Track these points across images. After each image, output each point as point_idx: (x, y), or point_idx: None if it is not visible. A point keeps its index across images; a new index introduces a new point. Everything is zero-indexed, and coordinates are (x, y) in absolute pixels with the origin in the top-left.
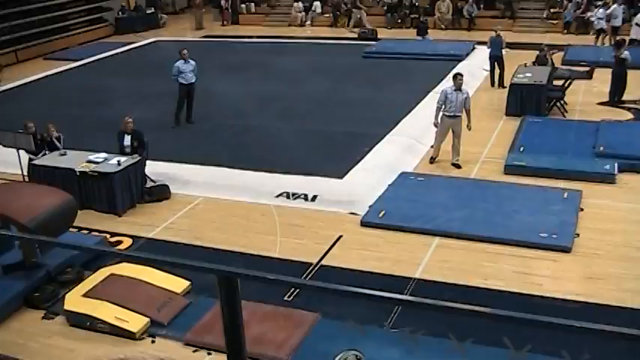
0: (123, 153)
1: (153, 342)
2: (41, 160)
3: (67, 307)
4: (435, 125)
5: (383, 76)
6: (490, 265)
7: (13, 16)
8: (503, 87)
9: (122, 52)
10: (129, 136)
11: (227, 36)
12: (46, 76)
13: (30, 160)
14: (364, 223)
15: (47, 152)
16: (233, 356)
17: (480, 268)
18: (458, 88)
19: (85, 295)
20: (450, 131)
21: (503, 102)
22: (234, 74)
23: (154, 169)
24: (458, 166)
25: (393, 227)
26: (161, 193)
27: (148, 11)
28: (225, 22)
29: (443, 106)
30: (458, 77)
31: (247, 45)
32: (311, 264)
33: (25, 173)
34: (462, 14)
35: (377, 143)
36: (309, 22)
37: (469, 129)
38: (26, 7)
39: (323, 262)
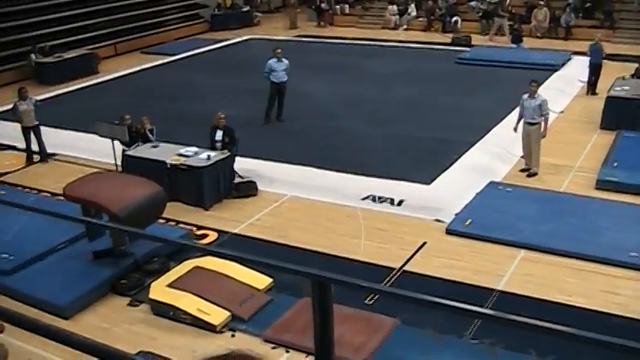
0: (213, 148)
1: (233, 336)
2: (134, 152)
3: (151, 296)
4: (515, 131)
5: (475, 83)
6: (575, 282)
7: (113, 11)
8: (594, 94)
9: (216, 49)
10: (221, 132)
11: (320, 36)
12: (142, 69)
13: (123, 151)
14: (449, 231)
15: (140, 144)
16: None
17: (564, 284)
18: (531, 95)
19: (169, 286)
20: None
21: (598, 115)
22: (325, 75)
23: (243, 165)
24: (531, 175)
25: (478, 237)
26: (248, 189)
27: (243, 9)
28: (323, 24)
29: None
30: (532, 84)
31: (340, 46)
32: (393, 269)
33: (119, 163)
34: (559, 23)
35: (466, 151)
36: (403, 26)
37: (543, 136)
38: (126, 3)
39: (405, 268)
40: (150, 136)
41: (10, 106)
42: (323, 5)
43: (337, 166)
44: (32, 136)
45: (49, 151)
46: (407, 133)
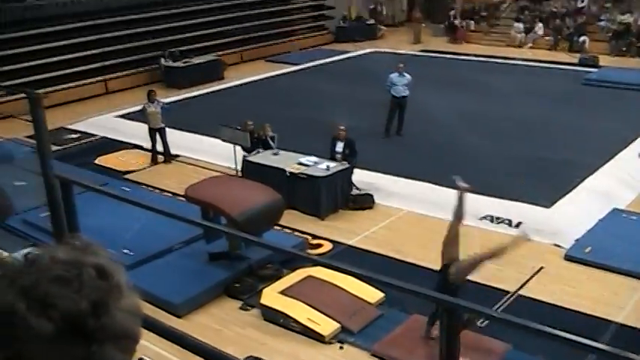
0: (333, 159)
1: (341, 348)
2: (255, 158)
3: (263, 301)
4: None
5: (601, 105)
6: None
7: (241, 20)
8: None
9: (340, 60)
10: (341, 143)
11: (443, 52)
12: (267, 77)
13: (244, 156)
14: (568, 257)
15: (261, 150)
16: None
17: None
18: None
19: (281, 293)
20: None
21: None
22: (447, 90)
23: (361, 177)
24: None
25: (599, 265)
26: (365, 201)
27: (368, 22)
28: (458, 40)
29: None
30: None
31: (463, 62)
32: (508, 292)
33: (239, 168)
34: None
35: (590, 174)
36: (528, 44)
37: None
38: (254, 12)
39: (521, 292)
40: (271, 143)
41: (139, 108)
42: (456, 22)
43: (453, 182)
44: (158, 137)
45: (173, 152)
46: (529, 152)
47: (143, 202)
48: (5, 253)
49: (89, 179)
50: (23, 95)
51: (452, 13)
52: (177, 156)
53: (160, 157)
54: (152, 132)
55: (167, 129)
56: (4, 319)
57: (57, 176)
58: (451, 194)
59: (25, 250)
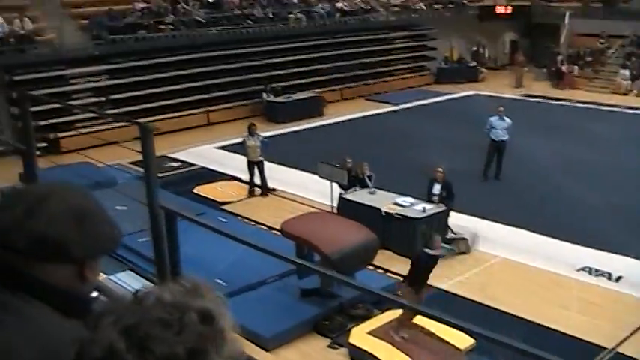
0: (430, 201)
1: None
2: (351, 196)
3: (351, 340)
4: None
5: None
6: None
7: (342, 58)
8: None
9: (440, 102)
10: (439, 185)
11: (545, 97)
12: (366, 115)
13: (341, 194)
14: None
15: (358, 188)
16: None
17: None
18: None
19: (370, 333)
20: None
21: None
22: (548, 136)
23: (456, 220)
24: None
25: None
26: (460, 246)
27: (470, 64)
28: (561, 85)
29: None
30: None
31: (566, 108)
32: (605, 348)
33: (335, 205)
34: None
35: None
36: (634, 91)
37: None
38: (355, 51)
39: (619, 349)
40: (368, 182)
41: (239, 140)
42: (563, 68)
43: (553, 231)
44: (256, 170)
45: (270, 186)
46: (632, 203)
47: (238, 236)
48: (103, 275)
49: (187, 208)
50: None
51: (559, 58)
52: (274, 190)
53: (257, 190)
54: (251, 165)
55: (265, 163)
56: (103, 357)
57: (162, 207)
58: (551, 243)
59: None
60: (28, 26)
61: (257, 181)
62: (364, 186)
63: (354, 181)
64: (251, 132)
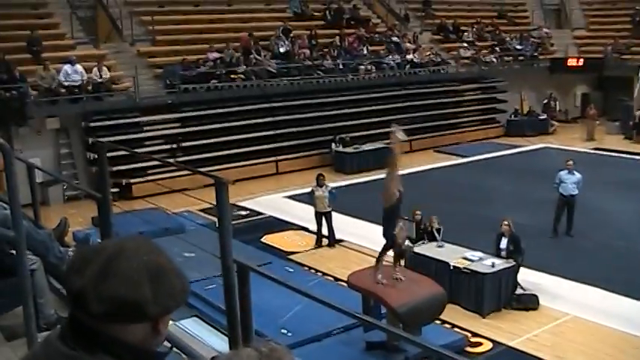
0: (498, 255)
1: None
2: (419, 249)
3: None
4: None
5: None
6: None
7: (411, 110)
8: None
9: (510, 155)
10: (506, 240)
11: (619, 150)
12: (435, 167)
13: (409, 245)
14: None
15: (426, 242)
16: None
17: None
18: None
19: None
20: None
21: None
22: (622, 191)
23: (525, 276)
24: None
25: None
26: (529, 302)
27: (540, 117)
28: (637, 139)
29: None
30: None
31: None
32: None
33: None
34: None
35: None
36: None
37: None
38: (425, 102)
39: None
40: (436, 235)
41: (307, 190)
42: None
43: (627, 290)
44: (324, 220)
45: (337, 236)
46: None
47: (304, 289)
48: (170, 322)
49: (255, 256)
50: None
51: (638, 113)
52: (342, 240)
53: (325, 241)
54: (318, 215)
55: (333, 213)
56: None
57: (235, 261)
58: (627, 303)
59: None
60: (105, 74)
61: (325, 231)
62: (432, 239)
63: (423, 233)
64: (319, 182)
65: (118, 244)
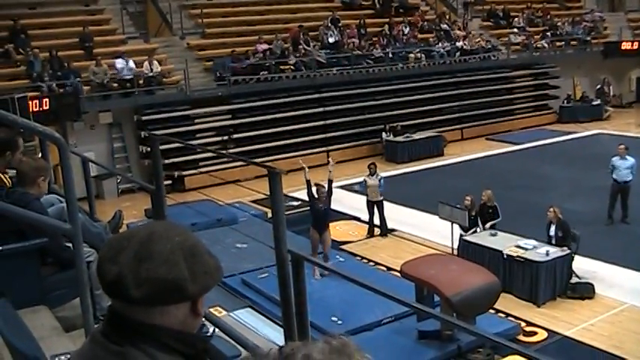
0: (549, 243)
1: None
2: (472, 237)
3: None
4: None
5: None
6: None
7: (463, 97)
8: None
9: (563, 141)
10: (554, 226)
11: None
12: (487, 155)
13: (461, 235)
14: None
15: (479, 229)
16: None
17: None
18: None
19: None
20: None
21: None
22: None
23: (581, 264)
24: None
25: None
26: (585, 291)
27: (594, 102)
28: None
29: None
30: None
31: None
32: None
33: (455, 247)
34: None
35: None
36: None
37: None
38: (476, 90)
39: None
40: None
41: (358, 180)
42: None
43: None
44: (375, 210)
45: (389, 226)
46: None
47: (356, 277)
48: (223, 312)
49: (306, 247)
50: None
51: None
52: (394, 230)
53: (377, 230)
54: (370, 204)
55: (385, 202)
56: None
57: (290, 251)
58: None
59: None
60: (156, 68)
61: (376, 221)
62: (488, 217)
63: (476, 219)
64: (371, 171)
65: (148, 228)
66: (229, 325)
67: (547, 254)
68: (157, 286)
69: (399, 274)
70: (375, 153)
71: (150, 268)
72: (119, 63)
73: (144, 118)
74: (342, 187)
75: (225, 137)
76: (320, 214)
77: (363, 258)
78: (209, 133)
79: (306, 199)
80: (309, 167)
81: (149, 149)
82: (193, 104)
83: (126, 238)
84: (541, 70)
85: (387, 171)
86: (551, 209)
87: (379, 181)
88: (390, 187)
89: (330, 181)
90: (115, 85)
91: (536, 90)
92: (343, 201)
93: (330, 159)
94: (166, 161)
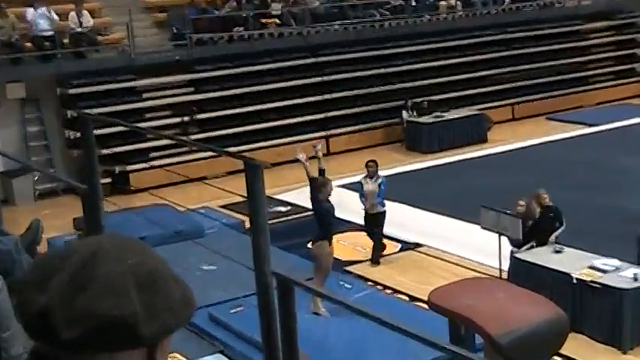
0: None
1: None
2: (527, 254)
3: None
4: None
5: None
6: None
7: (515, 60)
8: None
9: None
10: None
11: None
12: (547, 141)
13: (512, 251)
14: None
15: (535, 244)
16: None
17: None
18: None
19: None
20: None
21: None
22: None
23: None
24: None
25: None
26: None
27: None
28: None
29: None
30: None
31: None
32: None
33: (504, 268)
34: None
35: None
36: None
37: None
38: (531, 51)
39: None
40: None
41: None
42: None
43: None
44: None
45: (412, 238)
46: None
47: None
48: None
49: (300, 268)
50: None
51: None
52: (418, 245)
53: (395, 245)
54: (370, 219)
55: (405, 206)
56: None
57: (275, 273)
58: None
59: None
60: (87, 22)
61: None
62: (546, 227)
63: (533, 229)
64: (370, 172)
65: (93, 244)
66: None
67: (635, 279)
68: (97, 325)
69: (426, 306)
70: (391, 139)
71: (88, 301)
72: (31, 14)
73: (71, 91)
74: (345, 185)
75: (186, 118)
76: (331, 217)
77: (376, 283)
78: (163, 112)
79: (298, 202)
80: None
81: (79, 135)
82: (141, 72)
83: (60, 257)
84: (625, 21)
85: (409, 164)
86: None
87: (379, 185)
88: (414, 187)
89: (322, 171)
90: (29, 44)
91: (619, 49)
92: (348, 205)
93: (315, 143)
94: (104, 151)
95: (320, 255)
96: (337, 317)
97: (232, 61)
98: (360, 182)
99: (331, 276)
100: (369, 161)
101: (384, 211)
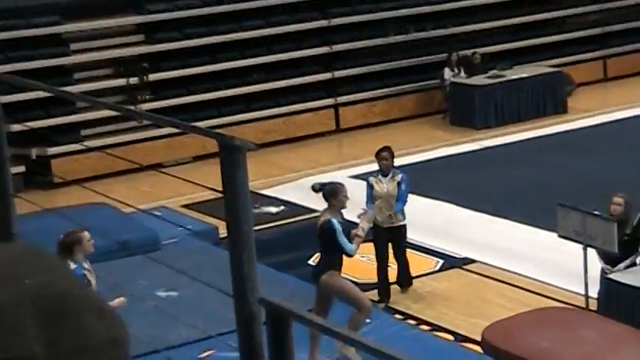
0: None
1: None
2: (626, 275)
3: None
4: None
5: None
6: None
7: None
8: None
9: None
10: None
11: None
12: None
13: (604, 270)
14: None
15: (637, 261)
16: None
17: None
18: None
19: None
20: None
21: None
22: None
23: None
24: None
25: None
26: None
27: None
28: None
29: None
30: None
31: None
32: None
33: (593, 295)
34: None
35: None
36: None
37: None
38: None
39: None
40: None
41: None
42: None
43: None
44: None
45: (459, 252)
46: None
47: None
48: None
49: (299, 293)
50: (175, 130)
51: None
52: (470, 261)
53: (436, 261)
54: (382, 235)
55: (449, 206)
56: None
57: (263, 301)
58: None
59: None
60: None
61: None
62: None
63: (634, 239)
64: (383, 165)
65: None
66: None
67: None
68: None
69: (479, 348)
70: (427, 110)
71: None
72: None
73: None
74: (360, 176)
75: (134, 79)
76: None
77: (408, 316)
78: (101, 70)
79: (295, 200)
80: (299, 138)
81: None
82: (68, 14)
83: None
84: None
85: (454, 145)
86: None
87: (398, 185)
88: (461, 177)
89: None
90: None
91: None
92: (364, 204)
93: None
94: (15, 127)
95: (338, 285)
96: None
97: None
98: (367, 181)
99: (340, 303)
100: (380, 150)
101: (405, 225)
